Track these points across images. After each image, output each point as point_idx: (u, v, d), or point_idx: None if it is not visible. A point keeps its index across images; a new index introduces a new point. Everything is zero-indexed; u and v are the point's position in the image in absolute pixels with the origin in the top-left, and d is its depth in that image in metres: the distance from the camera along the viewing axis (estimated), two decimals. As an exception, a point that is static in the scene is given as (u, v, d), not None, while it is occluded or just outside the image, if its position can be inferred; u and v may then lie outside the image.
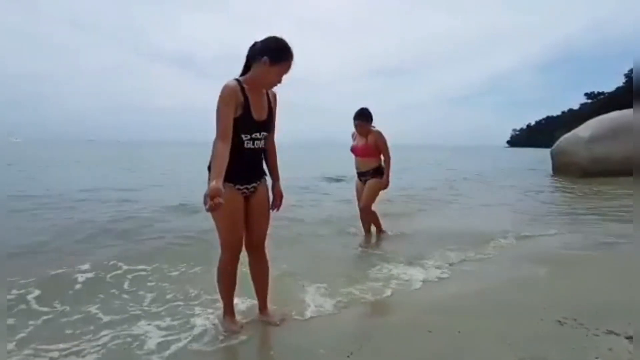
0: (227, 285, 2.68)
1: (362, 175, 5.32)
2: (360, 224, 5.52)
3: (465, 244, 4.94)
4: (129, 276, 3.79)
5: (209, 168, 2.34)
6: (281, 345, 2.55)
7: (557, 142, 16.12)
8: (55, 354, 2.42)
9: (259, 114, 2.47)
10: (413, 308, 3.09)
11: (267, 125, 2.55)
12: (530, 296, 3.26)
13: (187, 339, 2.60)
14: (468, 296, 3.32)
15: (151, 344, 2.55)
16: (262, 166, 2.65)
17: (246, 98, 2.42)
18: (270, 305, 2.91)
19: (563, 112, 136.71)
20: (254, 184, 2.58)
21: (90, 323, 2.84)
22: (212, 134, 2.35)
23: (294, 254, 4.47)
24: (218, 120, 2.31)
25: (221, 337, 2.62)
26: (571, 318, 2.77)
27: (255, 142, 2.49)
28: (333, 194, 10.43)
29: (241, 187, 2.52)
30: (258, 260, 2.78)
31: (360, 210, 5.35)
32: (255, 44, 2.46)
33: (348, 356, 2.35)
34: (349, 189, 7.50)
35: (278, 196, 2.75)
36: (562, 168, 15.38)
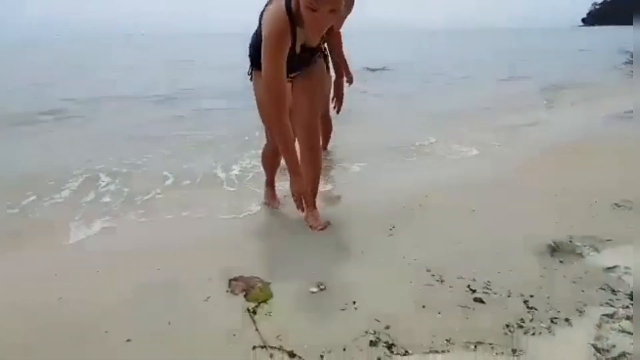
0: (270, 165, 2.76)
1: None
2: None
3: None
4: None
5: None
6: (324, 215, 2.65)
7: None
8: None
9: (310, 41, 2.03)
10: (453, 189, 3.07)
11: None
12: (584, 181, 3.09)
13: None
14: (512, 179, 3.21)
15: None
16: (310, 58, 2.19)
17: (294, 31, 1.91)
18: (319, 202, 2.59)
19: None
20: (298, 72, 2.22)
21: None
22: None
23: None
24: (265, 62, 1.89)
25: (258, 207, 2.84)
26: (627, 201, 2.63)
27: (297, 57, 2.06)
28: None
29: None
30: (308, 147, 2.34)
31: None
32: None
33: (390, 228, 2.43)
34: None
35: (338, 96, 2.52)
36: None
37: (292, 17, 1.86)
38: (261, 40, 1.93)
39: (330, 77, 2.79)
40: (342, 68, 2.42)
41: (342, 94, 2.48)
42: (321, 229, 2.40)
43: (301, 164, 2.25)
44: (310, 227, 2.43)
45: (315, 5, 1.71)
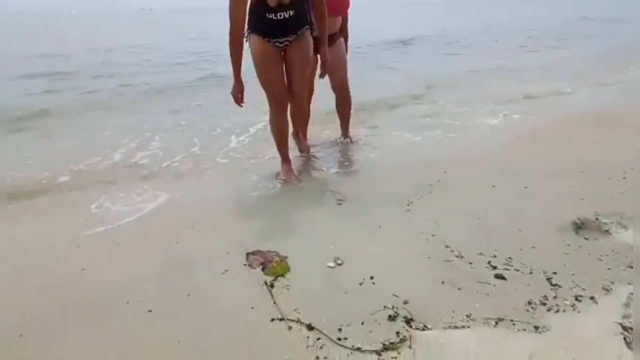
0: (279, 135, 2.78)
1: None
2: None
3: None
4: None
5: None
6: (342, 189, 2.62)
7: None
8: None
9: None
10: (473, 163, 2.99)
11: (293, 3, 2.34)
12: (613, 155, 2.96)
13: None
14: (536, 152, 3.10)
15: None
16: (297, 23, 2.47)
17: None
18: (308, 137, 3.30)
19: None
20: (287, 39, 2.49)
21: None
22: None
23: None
24: (230, 13, 2.25)
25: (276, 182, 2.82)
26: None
27: (280, 14, 2.36)
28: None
29: (272, 40, 2.47)
30: (297, 108, 2.83)
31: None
32: None
33: (408, 204, 2.38)
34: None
35: (323, 62, 2.71)
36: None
37: None
38: (253, 5, 2.28)
39: (344, 49, 3.22)
40: (324, 38, 2.68)
41: (326, 60, 2.73)
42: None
43: (291, 119, 2.84)
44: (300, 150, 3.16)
45: None
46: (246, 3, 2.26)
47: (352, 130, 3.61)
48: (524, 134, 3.70)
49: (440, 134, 3.82)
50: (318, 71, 2.87)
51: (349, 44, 3.35)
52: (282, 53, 2.55)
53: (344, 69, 3.29)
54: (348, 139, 3.54)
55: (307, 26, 2.54)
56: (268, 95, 2.62)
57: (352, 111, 3.51)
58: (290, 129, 2.96)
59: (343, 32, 3.24)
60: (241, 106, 2.61)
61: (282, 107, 2.65)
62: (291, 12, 2.37)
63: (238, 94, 2.51)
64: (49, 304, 1.68)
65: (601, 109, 4.33)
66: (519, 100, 4.86)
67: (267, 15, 2.35)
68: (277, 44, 2.48)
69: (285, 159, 2.86)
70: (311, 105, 3.25)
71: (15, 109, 5.01)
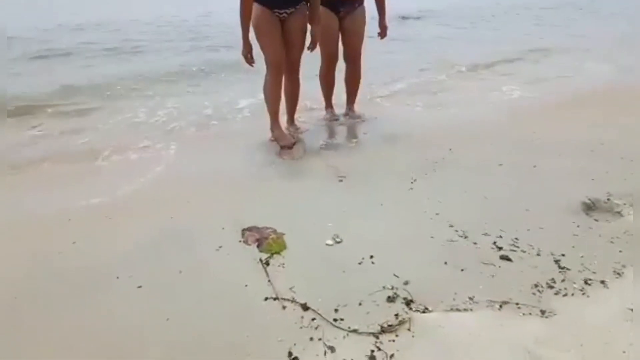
0: (272, 98, 2.90)
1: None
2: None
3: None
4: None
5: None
6: (343, 165, 2.53)
7: None
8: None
9: None
10: (479, 141, 2.88)
11: None
12: (625, 134, 2.84)
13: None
14: (545, 131, 2.98)
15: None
16: None
17: None
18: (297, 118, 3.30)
19: None
20: (286, 10, 2.73)
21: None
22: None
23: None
24: None
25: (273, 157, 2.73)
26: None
27: None
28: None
29: (274, 10, 2.70)
30: (291, 80, 2.99)
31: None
32: None
33: (412, 182, 2.30)
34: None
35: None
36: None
37: None
38: None
39: (364, 18, 3.15)
40: (315, 14, 2.82)
41: (317, 35, 2.86)
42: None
43: (284, 93, 2.99)
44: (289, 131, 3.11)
45: None
46: None
47: (357, 106, 3.48)
48: (533, 111, 3.57)
49: (447, 111, 3.69)
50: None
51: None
52: (281, 23, 2.77)
53: (360, 41, 3.18)
54: (353, 114, 3.43)
55: (304, 1, 2.80)
56: (266, 59, 2.80)
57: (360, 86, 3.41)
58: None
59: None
60: (252, 66, 2.81)
61: (278, 71, 2.83)
62: None
63: (248, 54, 2.75)
64: (38, 275, 1.63)
65: (614, 87, 4.17)
66: (529, 78, 4.69)
67: None
68: (276, 13, 2.72)
69: (276, 122, 2.96)
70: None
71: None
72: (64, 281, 1.60)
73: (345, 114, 3.44)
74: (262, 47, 2.77)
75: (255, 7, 2.68)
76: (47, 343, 1.33)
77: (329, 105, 3.45)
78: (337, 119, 3.38)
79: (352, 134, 3.17)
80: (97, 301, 1.49)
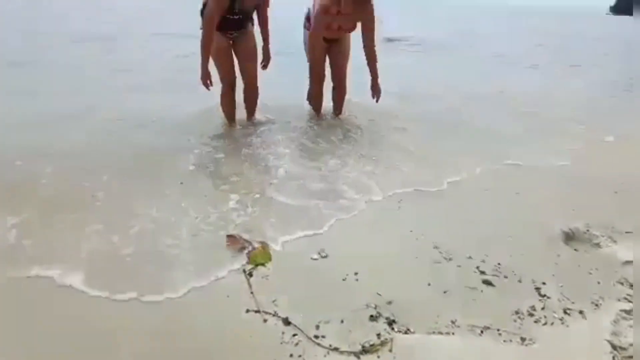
0: (228, 108, 3.41)
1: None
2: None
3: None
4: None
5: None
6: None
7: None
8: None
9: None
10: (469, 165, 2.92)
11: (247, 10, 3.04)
12: (607, 170, 2.93)
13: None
14: (530, 162, 3.05)
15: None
16: (246, 21, 3.16)
17: None
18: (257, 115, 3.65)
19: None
20: (236, 33, 3.16)
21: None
22: None
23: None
24: (205, 14, 2.89)
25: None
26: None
27: (236, 15, 3.00)
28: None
29: (227, 33, 3.13)
30: (250, 91, 3.45)
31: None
32: None
33: (399, 201, 2.30)
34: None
35: (265, 57, 3.39)
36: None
37: None
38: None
39: (349, 42, 3.52)
40: (267, 37, 3.35)
41: (269, 56, 3.35)
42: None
43: (244, 99, 3.49)
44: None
45: None
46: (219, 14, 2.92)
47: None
48: (520, 144, 3.64)
49: (433, 134, 3.74)
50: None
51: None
52: (231, 43, 3.22)
53: (346, 62, 3.55)
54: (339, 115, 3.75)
55: (251, 23, 3.25)
56: (220, 77, 3.25)
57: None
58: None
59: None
60: (208, 89, 3.13)
61: (231, 87, 3.33)
62: (242, 16, 3.07)
63: (207, 80, 3.08)
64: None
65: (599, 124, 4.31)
66: (520, 114, 4.81)
67: (229, 16, 3.00)
68: (227, 35, 3.14)
69: (231, 124, 3.45)
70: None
71: None
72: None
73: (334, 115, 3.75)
74: (215, 66, 3.20)
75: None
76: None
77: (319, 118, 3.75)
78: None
79: (341, 151, 3.16)
80: (52, 317, 1.43)
